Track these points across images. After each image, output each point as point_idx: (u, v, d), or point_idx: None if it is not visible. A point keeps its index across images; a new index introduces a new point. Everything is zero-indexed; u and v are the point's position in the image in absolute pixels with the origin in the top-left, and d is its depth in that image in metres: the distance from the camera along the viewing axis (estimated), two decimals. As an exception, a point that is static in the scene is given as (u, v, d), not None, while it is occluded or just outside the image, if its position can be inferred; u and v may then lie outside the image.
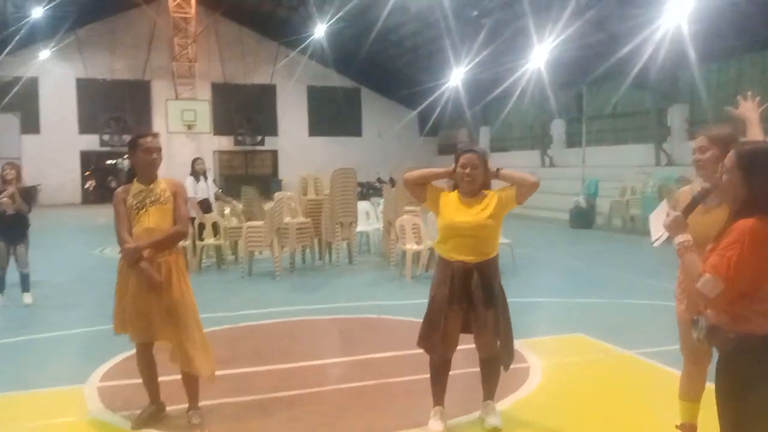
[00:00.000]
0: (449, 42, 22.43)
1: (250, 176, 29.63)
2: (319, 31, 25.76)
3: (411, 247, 9.13)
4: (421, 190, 4.11)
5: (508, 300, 4.10)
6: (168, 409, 4.30)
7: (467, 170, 3.94)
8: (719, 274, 2.43)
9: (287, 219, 9.73)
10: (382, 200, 12.88)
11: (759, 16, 14.27)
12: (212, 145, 29.66)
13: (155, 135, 4.26)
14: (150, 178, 4.17)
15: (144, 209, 4.10)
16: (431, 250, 9.46)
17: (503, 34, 21.08)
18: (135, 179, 4.19)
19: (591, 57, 18.44)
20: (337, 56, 28.23)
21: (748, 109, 3.39)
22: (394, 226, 9.90)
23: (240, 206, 11.33)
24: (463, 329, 4.04)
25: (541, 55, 18.43)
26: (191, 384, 4.15)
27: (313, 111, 31.89)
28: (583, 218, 15.24)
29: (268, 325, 6.77)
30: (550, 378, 4.94)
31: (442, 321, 3.97)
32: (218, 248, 10.39)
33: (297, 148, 30.84)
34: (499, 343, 4.05)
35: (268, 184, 27.11)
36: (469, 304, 3.93)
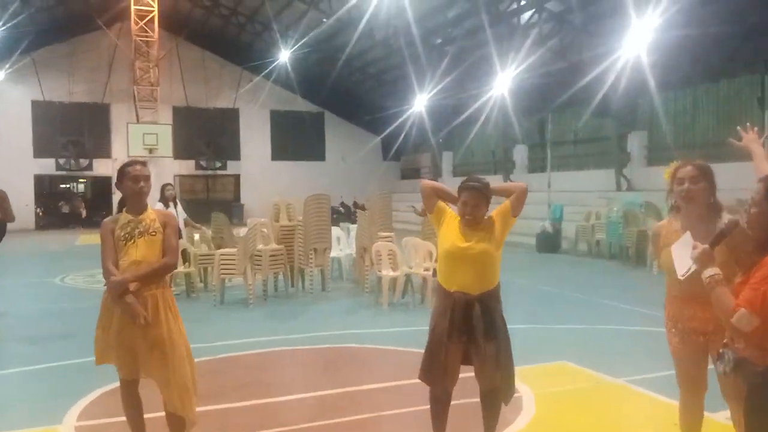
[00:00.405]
0: (413, 68, 22.72)
1: (211, 201, 29.22)
2: (284, 56, 25.81)
3: (387, 273, 9.08)
4: (433, 201, 4.05)
5: None
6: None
7: (468, 209, 3.89)
8: (754, 309, 2.45)
9: (260, 246, 9.59)
10: (351, 225, 12.83)
11: (712, 48, 14.85)
12: (173, 169, 29.17)
13: (143, 163, 4.13)
14: (139, 208, 4.03)
15: (132, 240, 3.96)
16: (407, 276, 9.45)
17: (466, 61, 21.48)
18: (124, 209, 4.07)
19: (553, 85, 18.91)
20: (301, 81, 28.27)
21: (750, 140, 3.43)
22: (368, 251, 9.85)
23: (209, 233, 11.12)
24: (464, 361, 3.97)
25: (504, 82, 18.81)
26: (178, 425, 3.95)
27: (276, 135, 31.75)
28: (549, 243, 15.45)
29: (248, 357, 6.60)
30: (545, 409, 4.91)
31: (442, 353, 3.89)
32: (188, 276, 10.15)
33: (260, 172, 30.63)
34: (500, 376, 3.98)
35: (230, 208, 26.78)
36: (470, 337, 3.85)
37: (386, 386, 5.69)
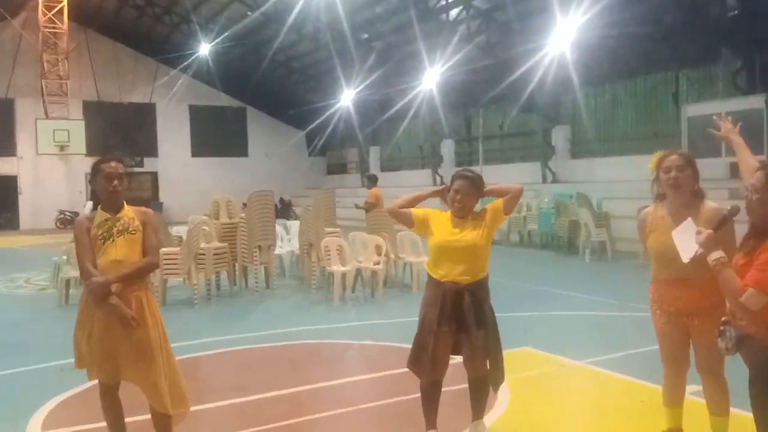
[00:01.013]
0: (340, 63, 22.64)
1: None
2: (204, 49, 25.06)
3: (338, 268, 9.01)
4: (407, 217, 4.08)
5: None
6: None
7: (458, 197, 3.97)
8: (762, 288, 2.60)
9: (203, 244, 9.30)
10: (287, 222, 12.64)
11: (629, 47, 15.63)
12: (85, 166, 27.69)
13: (118, 159, 3.92)
14: (116, 206, 3.85)
15: (111, 240, 3.76)
16: (358, 270, 9.42)
17: (394, 57, 21.61)
18: (99, 207, 3.85)
19: (480, 81, 19.34)
20: (222, 75, 27.53)
21: (728, 130, 3.59)
22: (315, 247, 9.74)
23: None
24: (453, 351, 4.02)
25: (432, 78, 19.07)
26: (165, 424, 3.80)
27: (196, 131, 30.80)
28: (482, 235, 15.76)
29: (209, 358, 6.39)
30: (519, 393, 5.01)
31: (431, 343, 3.93)
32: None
33: (179, 169, 29.64)
34: (489, 363, 4.05)
35: (148, 207, 25.60)
36: (459, 326, 3.91)
37: (357, 380, 5.67)
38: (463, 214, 4.01)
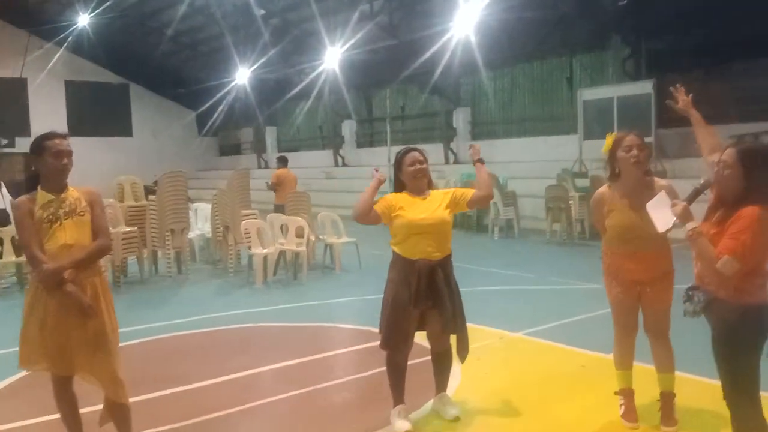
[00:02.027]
0: (233, 40, 21.82)
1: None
2: (82, 20, 23.26)
3: (260, 251, 8.73)
4: (377, 218, 4.01)
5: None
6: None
7: (417, 166, 4.04)
8: (736, 255, 2.81)
9: (111, 229, 8.68)
10: (191, 204, 12.10)
11: (527, 31, 16.20)
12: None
13: (64, 136, 3.59)
14: (60, 186, 3.53)
15: (58, 222, 3.45)
16: (281, 253, 9.19)
17: (291, 34, 21.12)
18: (39, 187, 3.48)
19: (382, 61, 19.34)
20: (103, 49, 25.68)
21: (686, 104, 3.69)
22: (233, 230, 9.40)
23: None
24: (421, 326, 4.09)
25: (332, 57, 18.81)
26: (123, 416, 3.61)
27: (73, 109, 28.61)
28: (390, 215, 15.90)
29: (133, 348, 5.92)
30: (467, 366, 4.93)
31: (404, 322, 3.97)
32: (19, 266, 8.90)
33: (56, 150, 27.50)
34: (456, 336, 4.14)
35: (20, 192, 23.65)
36: (435, 301, 3.96)
37: (305, 361, 5.55)
38: (422, 186, 4.06)
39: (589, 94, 14.75)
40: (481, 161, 4.17)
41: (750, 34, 12.76)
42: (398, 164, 4.12)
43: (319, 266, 9.87)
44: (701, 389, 4.24)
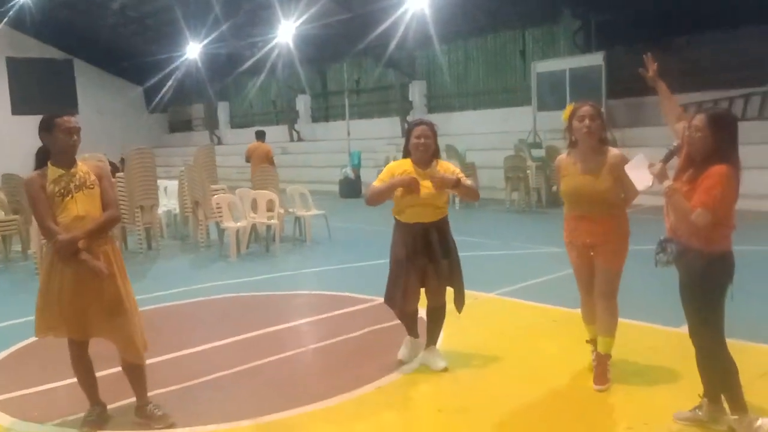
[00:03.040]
0: (182, 13, 21.39)
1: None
2: (22, -6, 22.38)
3: (233, 225, 8.88)
4: (386, 196, 4.34)
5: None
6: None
7: (422, 140, 4.31)
8: (708, 207, 3.18)
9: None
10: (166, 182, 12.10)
11: (479, 4, 16.52)
12: None
13: (72, 113, 3.76)
14: (69, 161, 3.69)
15: (70, 195, 3.63)
16: (253, 226, 9.34)
17: (243, 8, 20.83)
18: (49, 163, 3.64)
19: (336, 35, 19.35)
20: (44, 24, 24.79)
21: (654, 71, 3.91)
22: (203, 205, 9.49)
23: (3, 196, 9.68)
24: (422, 284, 4.46)
25: (285, 31, 18.71)
26: (139, 375, 3.84)
27: (15, 86, 27.57)
28: (351, 188, 16.15)
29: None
30: (447, 324, 5.30)
31: (403, 278, 4.35)
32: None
33: (-2, 128, 26.59)
34: (454, 289, 4.56)
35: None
36: (429, 257, 4.35)
37: (297, 324, 5.86)
38: (425, 159, 4.32)
39: (541, 66, 15.22)
40: (457, 183, 4.31)
41: (694, 8, 13.40)
42: (408, 132, 4.42)
43: (290, 239, 10.07)
44: (664, 336, 4.71)
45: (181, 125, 30.32)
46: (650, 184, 3.44)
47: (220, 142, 25.43)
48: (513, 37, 17.21)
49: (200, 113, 28.11)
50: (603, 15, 15.07)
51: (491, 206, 13.27)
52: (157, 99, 27.92)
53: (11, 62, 27.42)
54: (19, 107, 27.72)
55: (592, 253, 4.06)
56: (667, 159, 3.40)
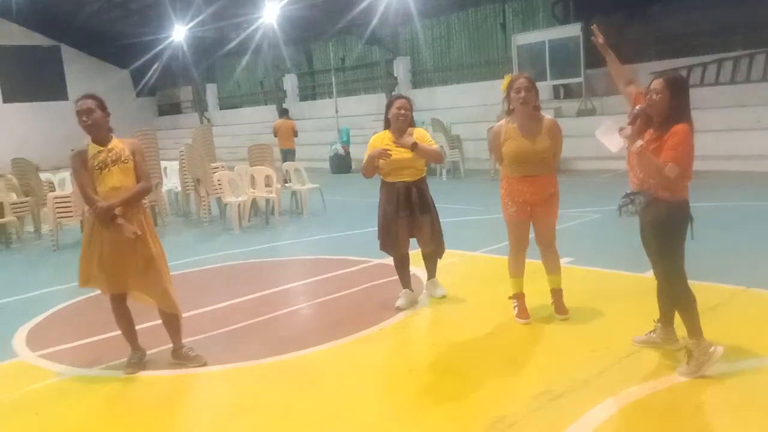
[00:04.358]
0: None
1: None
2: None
3: (234, 199, 9.44)
4: (374, 167, 5.04)
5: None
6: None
7: (402, 111, 5.02)
8: (677, 162, 3.64)
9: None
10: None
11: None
12: None
13: (88, 96, 4.32)
14: (102, 138, 4.25)
15: (107, 169, 4.19)
16: (253, 200, 9.91)
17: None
18: (90, 140, 4.20)
19: (320, 13, 19.70)
20: (29, 11, 24.92)
21: (603, 40, 4.33)
22: (204, 182, 10.03)
23: (15, 180, 10.17)
24: (410, 233, 5.20)
25: (270, 11, 19.05)
26: (174, 323, 4.43)
27: (4, 74, 27.73)
28: (342, 164, 16.70)
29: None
30: (446, 276, 5.89)
31: (393, 227, 5.12)
32: (2, 227, 9.35)
33: (-12, 116, 26.81)
34: (434, 240, 5.30)
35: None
36: (411, 212, 5.09)
37: (297, 285, 6.47)
38: (403, 128, 5.05)
39: (522, 39, 15.73)
40: (414, 146, 4.93)
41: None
42: (389, 105, 5.09)
43: (287, 212, 10.65)
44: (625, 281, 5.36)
45: (169, 108, 30.62)
46: (622, 145, 3.86)
47: (209, 124, 25.80)
48: (493, 11, 17.67)
49: (188, 96, 28.42)
50: (580, -14, 15.57)
51: (476, 176, 13.88)
52: (144, 82, 28.19)
53: (0, 51, 27.52)
54: (8, 95, 27.93)
55: (529, 209, 4.63)
56: (632, 122, 3.79)
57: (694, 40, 14.21)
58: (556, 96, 15.85)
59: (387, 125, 5.11)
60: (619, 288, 5.42)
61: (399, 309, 5.19)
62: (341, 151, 16.83)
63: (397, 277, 5.39)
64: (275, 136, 15.03)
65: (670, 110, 3.69)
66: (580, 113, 14.47)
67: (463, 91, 17.81)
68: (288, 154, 14.39)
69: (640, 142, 3.70)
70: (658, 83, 3.72)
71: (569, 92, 15.73)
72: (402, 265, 5.30)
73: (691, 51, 14.17)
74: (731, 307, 4.80)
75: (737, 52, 13.73)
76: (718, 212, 8.27)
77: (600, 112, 14.33)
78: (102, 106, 4.29)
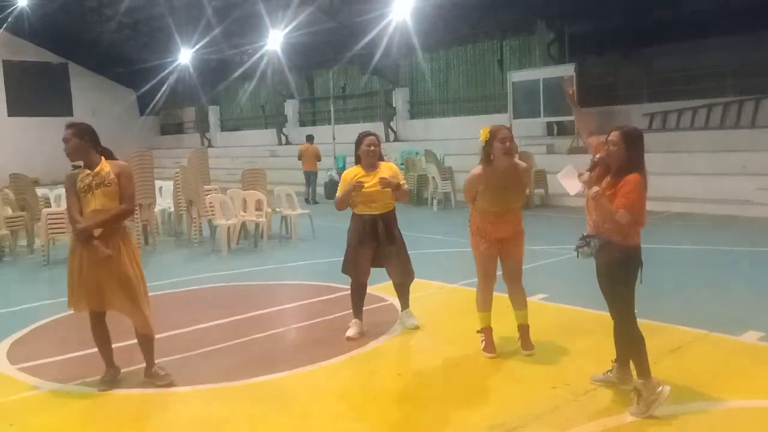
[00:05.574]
0: (174, 21, 22.08)
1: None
2: (21, 0, 22.98)
3: (224, 222, 9.63)
4: (349, 201, 5.29)
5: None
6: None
7: (371, 148, 5.33)
8: (628, 209, 3.86)
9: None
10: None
11: (461, 16, 17.40)
12: None
13: (66, 126, 4.56)
14: (90, 162, 4.44)
15: (90, 192, 4.39)
16: (243, 224, 10.10)
17: (232, 16, 21.55)
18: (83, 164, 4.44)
19: (323, 43, 20.16)
20: (41, 29, 25.45)
21: (572, 93, 4.75)
22: (196, 204, 10.23)
23: (11, 194, 10.39)
24: (373, 263, 5.44)
25: (274, 38, 19.47)
26: (147, 344, 4.58)
27: (12, 89, 28.17)
28: (336, 190, 16.85)
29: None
30: (417, 307, 6.09)
31: (357, 257, 5.37)
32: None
33: (-6, 130, 27.15)
34: (402, 269, 5.56)
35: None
36: (378, 244, 5.35)
37: (276, 309, 6.62)
38: (373, 163, 5.32)
39: (517, 76, 16.07)
40: (397, 187, 5.30)
41: (662, 21, 14.29)
42: (359, 142, 5.38)
43: (277, 236, 10.84)
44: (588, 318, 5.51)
45: (172, 128, 31.01)
46: (580, 189, 4.11)
47: (210, 145, 26.12)
48: (491, 47, 18.07)
49: (191, 116, 28.80)
50: (576, 27, 15.96)
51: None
52: (153, 103, 28.61)
53: (8, 65, 28.03)
54: (15, 109, 28.33)
55: (499, 245, 4.87)
56: (592, 169, 4.04)
57: (686, 83, 14.53)
58: (550, 132, 16.15)
59: (358, 160, 5.38)
60: (588, 326, 5.56)
61: (349, 339, 5.34)
62: (336, 177, 17.06)
63: (372, 306, 5.57)
64: (299, 159, 16.59)
65: (625, 161, 3.92)
66: (572, 150, 14.72)
67: (458, 124, 18.11)
68: (311, 176, 16.44)
69: (596, 188, 3.92)
70: (615, 135, 3.95)
71: (562, 129, 16.03)
72: (358, 294, 5.48)
73: (683, 94, 14.49)
74: (692, 351, 4.93)
75: (727, 98, 14.03)
76: (702, 255, 8.47)
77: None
78: (79, 134, 4.45)
